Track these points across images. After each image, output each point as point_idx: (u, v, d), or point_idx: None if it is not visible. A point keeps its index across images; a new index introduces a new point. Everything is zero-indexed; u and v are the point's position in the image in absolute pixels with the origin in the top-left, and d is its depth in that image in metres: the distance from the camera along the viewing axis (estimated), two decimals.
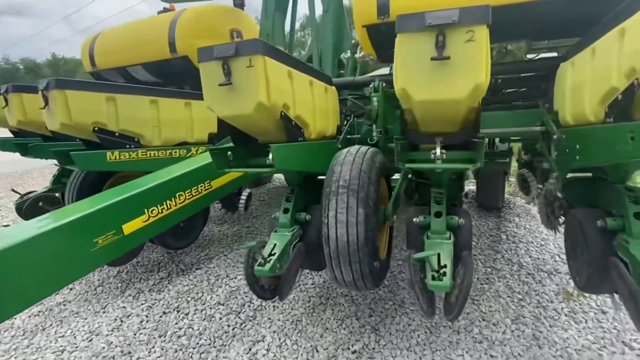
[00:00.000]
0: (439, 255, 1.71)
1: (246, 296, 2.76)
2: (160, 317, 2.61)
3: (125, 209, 2.03)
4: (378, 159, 1.94)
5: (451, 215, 1.91)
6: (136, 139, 2.89)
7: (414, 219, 1.97)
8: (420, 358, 2.05)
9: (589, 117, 1.70)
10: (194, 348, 2.30)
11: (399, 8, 2.23)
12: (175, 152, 3.01)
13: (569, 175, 2.07)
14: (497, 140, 3.69)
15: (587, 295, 2.47)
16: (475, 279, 2.78)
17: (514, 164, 4.15)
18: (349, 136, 2.72)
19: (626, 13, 1.40)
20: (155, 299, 2.83)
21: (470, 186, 4.80)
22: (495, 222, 3.74)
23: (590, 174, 2.04)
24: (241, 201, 3.47)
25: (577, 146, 1.83)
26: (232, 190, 3.07)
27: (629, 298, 1.46)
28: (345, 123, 2.80)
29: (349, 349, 2.17)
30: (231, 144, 2.04)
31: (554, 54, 3.06)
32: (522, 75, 2.71)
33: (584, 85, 1.74)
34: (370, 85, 2.58)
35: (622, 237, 1.61)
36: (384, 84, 2.52)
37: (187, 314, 2.66)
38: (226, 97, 1.69)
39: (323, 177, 1.89)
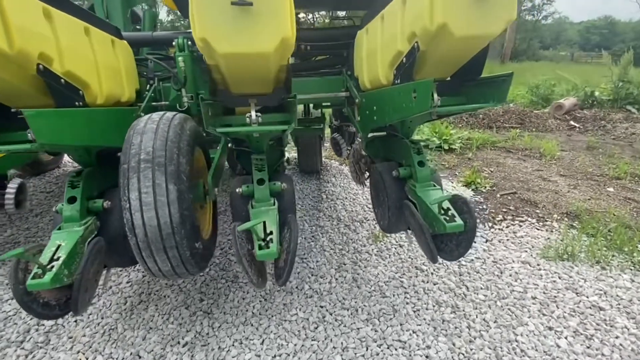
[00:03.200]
0: (264, 223, 1.64)
1: (30, 319, 2.10)
2: None
3: None
4: (189, 126, 1.68)
5: (274, 182, 1.86)
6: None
7: (237, 189, 1.84)
8: (257, 329, 2.01)
9: (382, 80, 1.89)
10: None
11: None
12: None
13: (370, 134, 2.32)
14: (311, 107, 3.92)
15: (389, 235, 2.94)
16: (303, 238, 2.92)
17: (327, 130, 4.53)
18: (154, 103, 2.32)
19: None
20: None
21: (292, 153, 5.02)
22: (316, 184, 4.04)
23: (384, 133, 2.35)
24: (7, 196, 2.57)
25: (375, 107, 2.04)
26: None
27: (419, 231, 1.74)
28: (147, 88, 2.36)
29: (179, 343, 1.93)
30: None
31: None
32: (327, 43, 2.86)
33: (376, 50, 1.92)
34: (174, 43, 2.22)
35: (411, 183, 1.91)
36: (189, 42, 2.21)
37: None
38: None
39: None
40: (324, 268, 2.54)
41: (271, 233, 1.59)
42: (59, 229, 1.62)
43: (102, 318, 2.11)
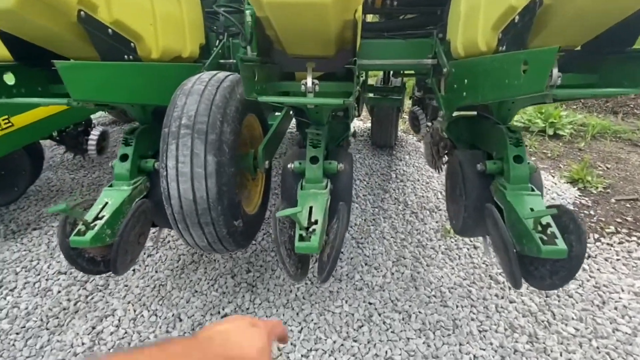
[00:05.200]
0: (310, 209, 1.43)
1: None
2: None
3: None
4: (242, 90, 1.49)
5: (330, 160, 1.62)
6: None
7: (289, 165, 1.64)
8: (297, 314, 1.88)
9: (481, 46, 1.47)
10: (17, 334, 1.79)
11: None
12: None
13: (455, 113, 1.91)
14: (391, 75, 3.50)
15: None
16: (363, 220, 2.68)
17: (408, 102, 4.08)
18: (221, 60, 2.18)
19: None
20: None
21: (368, 123, 4.68)
22: (387, 161, 3.70)
23: (474, 113, 1.91)
24: (90, 142, 2.75)
25: (466, 81, 1.63)
26: (62, 127, 2.35)
27: (501, 247, 1.38)
28: (217, 44, 2.23)
29: (219, 312, 1.89)
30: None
31: None
32: None
33: (478, 7, 1.49)
34: None
35: (499, 182, 1.52)
36: None
37: (12, 290, 2.06)
38: None
39: None
40: (380, 258, 2.29)
41: (316, 222, 1.37)
42: (111, 186, 1.60)
43: (156, 272, 2.17)
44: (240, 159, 1.63)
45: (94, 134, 2.76)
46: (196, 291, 2.03)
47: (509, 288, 2.09)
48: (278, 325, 0.61)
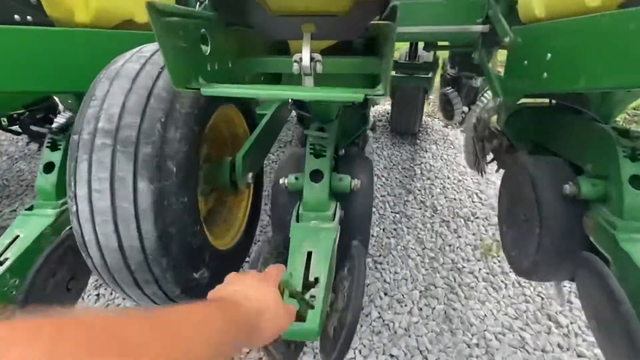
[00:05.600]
0: (308, 256, 0.93)
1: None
2: None
3: None
4: None
5: (340, 175, 1.10)
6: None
7: (281, 180, 1.13)
8: None
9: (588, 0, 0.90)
10: None
11: None
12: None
13: (521, 101, 1.36)
14: (420, 47, 2.87)
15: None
16: (381, 230, 2.18)
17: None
18: None
19: None
20: None
21: (387, 106, 4.09)
22: (409, 152, 3.14)
23: (550, 102, 1.36)
24: (54, 125, 2.28)
25: (549, 56, 1.07)
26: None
27: (612, 324, 0.86)
28: (196, 4, 1.70)
29: None
30: None
31: None
32: None
33: None
34: None
35: (601, 215, 0.98)
36: None
37: None
38: None
39: None
40: (404, 286, 1.80)
41: (317, 282, 0.88)
42: (30, 208, 1.14)
43: None
44: (210, 173, 1.13)
45: (58, 120, 2.29)
46: None
47: (576, 335, 1.58)
48: (279, 270, 0.70)
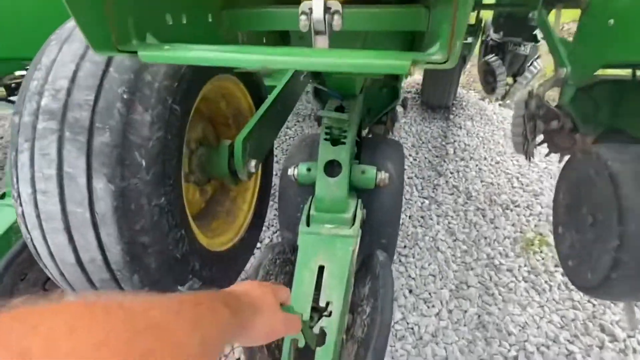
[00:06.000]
0: (320, 271, 0.74)
1: None
2: None
3: None
4: None
5: (363, 167, 0.88)
6: None
7: (289, 170, 0.93)
8: None
9: None
10: None
11: None
12: None
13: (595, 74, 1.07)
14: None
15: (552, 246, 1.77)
16: (407, 217, 1.96)
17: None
18: None
19: None
20: None
21: (416, 75, 3.73)
22: (441, 128, 2.84)
23: (636, 74, 1.06)
24: None
25: None
26: None
27: None
28: None
29: None
30: None
31: None
32: None
33: None
34: None
35: None
36: None
37: None
38: None
39: None
40: (432, 284, 1.60)
41: (327, 308, 0.69)
42: (2, 196, 0.99)
43: None
44: (205, 159, 0.94)
45: None
46: None
47: (634, 352, 1.35)
48: (282, 290, 0.63)
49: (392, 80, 1.28)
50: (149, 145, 0.63)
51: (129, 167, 0.61)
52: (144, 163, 0.62)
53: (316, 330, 0.67)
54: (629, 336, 1.40)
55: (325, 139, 0.84)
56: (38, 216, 0.61)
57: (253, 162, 0.96)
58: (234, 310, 0.45)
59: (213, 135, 1.07)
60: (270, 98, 1.06)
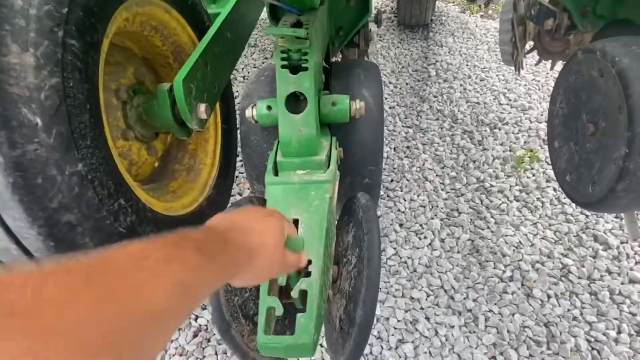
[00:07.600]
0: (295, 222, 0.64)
1: None
2: None
3: None
4: None
5: (335, 96, 0.74)
6: None
7: (247, 111, 0.78)
8: None
9: None
10: None
11: None
12: None
13: None
14: None
15: (545, 160, 1.71)
16: (392, 150, 1.85)
17: None
18: None
19: None
20: None
21: None
22: (421, 49, 2.62)
23: None
24: None
25: None
26: None
27: None
28: None
29: None
30: None
31: None
32: None
33: None
34: None
35: None
36: None
37: None
38: None
39: None
40: (423, 216, 1.54)
41: (305, 268, 0.60)
42: None
43: None
44: (144, 111, 0.77)
45: None
46: None
47: (628, 257, 1.35)
48: (289, 222, 0.55)
49: None
50: (40, 97, 0.47)
51: (19, 130, 0.46)
52: (39, 122, 0.47)
53: (295, 293, 0.58)
54: (622, 242, 1.39)
55: (283, 67, 0.68)
56: None
57: (202, 107, 0.80)
58: (213, 254, 0.37)
59: (153, 81, 0.89)
60: (215, 26, 0.87)
